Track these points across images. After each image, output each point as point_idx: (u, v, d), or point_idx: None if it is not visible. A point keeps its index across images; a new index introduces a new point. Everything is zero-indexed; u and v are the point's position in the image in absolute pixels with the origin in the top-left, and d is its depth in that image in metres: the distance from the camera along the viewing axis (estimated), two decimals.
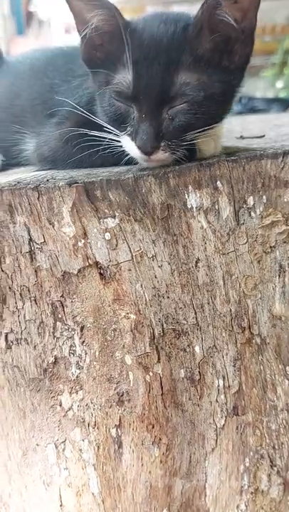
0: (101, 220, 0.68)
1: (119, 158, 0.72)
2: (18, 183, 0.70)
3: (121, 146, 0.70)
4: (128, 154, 0.70)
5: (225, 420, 0.75)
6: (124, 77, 0.68)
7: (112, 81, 0.70)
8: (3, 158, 0.87)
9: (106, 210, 0.68)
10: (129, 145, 0.68)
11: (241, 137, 0.93)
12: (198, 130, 0.67)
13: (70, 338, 0.73)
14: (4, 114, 0.91)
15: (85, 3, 0.69)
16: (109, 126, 0.70)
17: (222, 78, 0.69)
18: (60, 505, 0.79)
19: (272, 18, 5.45)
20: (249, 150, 0.74)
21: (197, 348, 0.72)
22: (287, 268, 0.72)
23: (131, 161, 0.71)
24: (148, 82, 0.66)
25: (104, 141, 0.70)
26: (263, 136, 0.90)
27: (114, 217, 0.68)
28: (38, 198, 0.68)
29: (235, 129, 1.16)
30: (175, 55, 0.67)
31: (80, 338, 0.73)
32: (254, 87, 5.65)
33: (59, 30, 5.99)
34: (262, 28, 5.48)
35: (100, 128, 0.70)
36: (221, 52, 0.69)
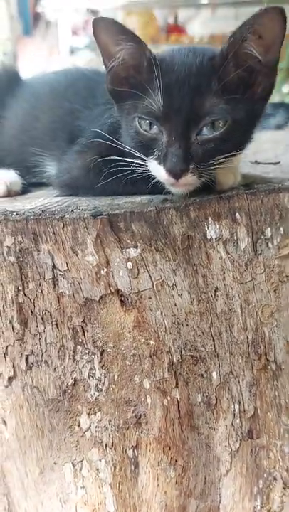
0: (123, 250, 0.70)
1: (143, 186, 0.74)
2: (43, 211, 0.72)
3: (144, 173, 0.72)
4: (152, 181, 0.72)
5: (240, 443, 0.77)
6: (154, 100, 0.70)
7: (140, 106, 0.72)
8: (23, 182, 0.89)
9: (128, 241, 0.70)
10: (156, 169, 0.70)
11: (256, 162, 0.95)
12: (225, 155, 0.69)
13: (90, 361, 0.76)
14: (24, 136, 0.93)
15: (113, 38, 0.71)
16: (135, 152, 0.71)
17: (246, 107, 0.72)
18: None
19: None
20: (266, 180, 0.76)
21: (214, 374, 0.74)
22: None
23: (156, 189, 0.73)
24: (178, 104, 0.69)
25: (127, 169, 0.72)
26: (279, 162, 0.91)
27: (136, 247, 0.70)
28: (63, 228, 0.70)
29: (248, 149, 1.17)
30: (203, 81, 0.70)
31: (100, 361, 0.75)
32: None
33: (66, 32, 6.03)
34: None
35: (122, 157, 0.72)
36: (246, 83, 0.72)
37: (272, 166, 0.91)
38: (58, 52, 5.87)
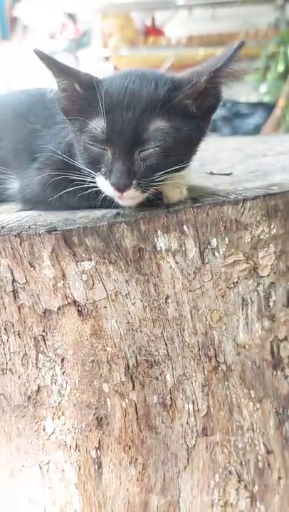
0: (78, 263, 0.74)
1: (94, 200, 0.78)
2: (2, 228, 0.76)
3: (96, 188, 0.76)
4: (102, 194, 0.77)
5: (195, 441, 0.81)
6: (98, 123, 0.74)
7: (86, 127, 0.76)
8: None
9: (83, 254, 0.74)
10: (103, 184, 0.75)
11: (211, 173, 1.00)
12: (167, 170, 0.74)
13: (52, 368, 0.80)
14: None
15: (52, 70, 0.76)
16: (85, 168, 0.76)
17: (191, 124, 0.76)
18: None
19: (255, 23, 5.54)
20: (214, 193, 0.81)
21: (168, 377, 0.79)
22: (249, 301, 0.80)
23: (105, 202, 0.78)
24: (121, 127, 0.72)
25: (82, 184, 0.76)
26: (231, 173, 0.96)
27: (90, 260, 0.74)
28: (20, 244, 0.74)
29: (208, 157, 1.23)
30: (148, 104, 0.73)
31: (61, 368, 0.79)
32: (238, 91, 5.74)
33: (43, 35, 6.03)
34: (245, 33, 5.58)
35: (78, 172, 0.77)
36: (192, 102, 0.76)
37: (225, 177, 0.96)
38: (36, 55, 5.87)
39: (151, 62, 4.69)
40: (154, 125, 0.73)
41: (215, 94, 0.77)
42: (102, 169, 0.75)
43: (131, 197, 0.74)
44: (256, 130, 4.82)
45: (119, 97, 0.73)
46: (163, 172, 0.73)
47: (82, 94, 0.76)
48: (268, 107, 5.00)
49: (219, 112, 5.33)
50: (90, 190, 0.77)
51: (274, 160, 1.08)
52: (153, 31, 5.57)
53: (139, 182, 0.73)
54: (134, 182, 0.72)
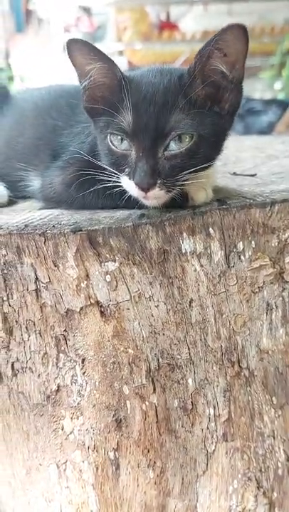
0: (102, 264, 0.74)
1: (118, 200, 0.78)
2: (26, 226, 0.75)
3: (120, 188, 0.75)
4: (127, 194, 0.76)
5: (215, 446, 0.81)
6: (124, 118, 0.73)
7: (112, 123, 0.75)
8: (10, 194, 0.93)
9: (107, 255, 0.73)
10: (127, 184, 0.74)
11: (234, 173, 0.99)
12: (192, 170, 0.72)
13: (72, 368, 0.79)
14: (10, 151, 0.96)
15: (85, 58, 0.75)
16: (109, 169, 0.75)
17: (214, 122, 0.75)
18: None
19: (271, 19, 5.49)
20: (240, 195, 0.80)
21: (190, 381, 0.78)
22: (274, 306, 0.78)
23: (129, 203, 0.77)
24: (145, 121, 0.72)
25: (107, 183, 0.76)
26: (255, 175, 0.95)
27: (114, 261, 0.73)
28: (45, 243, 0.73)
29: (228, 157, 1.21)
30: (170, 98, 0.73)
31: (82, 368, 0.79)
32: (252, 88, 5.69)
33: (58, 29, 6.02)
34: (261, 29, 5.54)
35: (102, 172, 0.76)
36: (213, 99, 0.75)
37: (249, 177, 0.95)
38: (51, 48, 5.86)
39: (165, 57, 4.66)
40: (177, 116, 0.72)
41: (226, 87, 0.75)
42: (126, 170, 0.74)
43: (156, 196, 0.73)
44: (270, 128, 4.78)
45: (143, 93, 0.73)
46: (188, 172, 0.72)
47: (117, 81, 0.74)
48: (283, 104, 4.95)
49: None
50: (113, 190, 0.76)
51: None
52: (168, 26, 5.54)
53: (164, 181, 0.72)
54: (158, 181, 0.71)
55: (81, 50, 0.74)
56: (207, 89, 0.74)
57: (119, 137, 0.75)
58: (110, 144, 0.76)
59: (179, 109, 0.72)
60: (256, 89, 5.70)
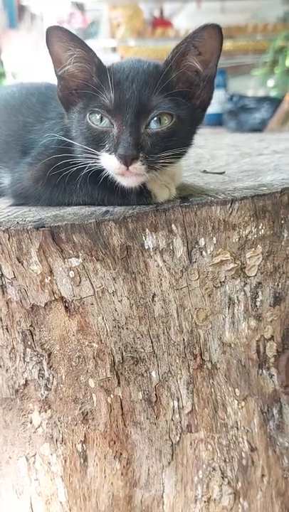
0: (66, 260, 0.75)
1: (85, 195, 0.80)
2: None
3: (88, 181, 0.78)
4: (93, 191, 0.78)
5: (180, 437, 0.82)
6: (106, 96, 0.76)
7: (92, 103, 0.77)
8: None
9: (70, 251, 0.75)
10: (108, 160, 0.75)
11: (204, 171, 1.00)
12: (171, 150, 0.75)
13: (39, 362, 0.81)
14: None
15: (65, 44, 0.76)
16: (88, 149, 0.76)
17: (189, 111, 0.78)
18: None
19: (264, 16, 5.50)
20: (204, 193, 0.81)
21: (153, 373, 0.80)
22: (236, 300, 0.80)
23: (94, 199, 0.79)
24: (127, 98, 0.74)
25: (74, 180, 0.78)
26: (224, 172, 0.97)
27: (77, 257, 0.75)
28: (9, 239, 0.75)
29: (204, 155, 1.23)
30: (150, 81, 0.76)
31: (48, 363, 0.80)
32: (245, 85, 5.71)
33: (51, 24, 6.00)
34: (253, 27, 5.55)
35: (72, 164, 0.78)
36: (186, 94, 0.78)
37: (217, 175, 0.96)
38: (43, 45, 5.86)
39: (158, 54, 4.66)
40: (157, 98, 0.75)
41: (199, 84, 0.79)
42: (107, 145, 0.75)
43: (137, 173, 0.74)
44: (262, 125, 4.80)
45: (124, 74, 0.76)
46: (169, 151, 0.74)
47: (97, 68, 0.77)
48: (275, 102, 4.97)
49: (226, 106, 5.32)
50: (81, 186, 0.79)
51: (268, 159, 1.08)
52: (161, 23, 5.54)
53: (146, 156, 0.73)
54: (141, 155, 0.73)
55: (60, 37, 0.76)
56: (181, 84, 0.78)
57: (98, 116, 0.76)
58: (89, 121, 0.77)
59: (159, 92, 0.75)
60: (249, 86, 5.71)
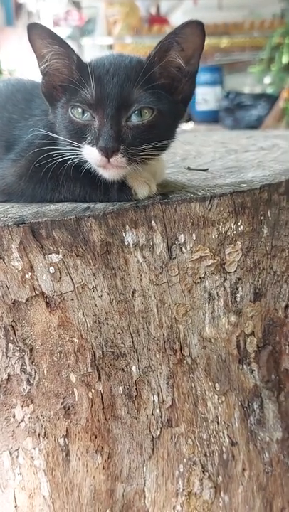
0: (46, 256, 0.76)
1: (67, 191, 0.81)
2: None
3: (70, 179, 0.79)
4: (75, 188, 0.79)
5: (160, 431, 0.83)
6: (87, 91, 0.76)
7: (74, 98, 0.78)
8: None
9: (50, 247, 0.75)
10: (89, 152, 0.75)
11: (188, 168, 1.01)
12: (152, 143, 0.75)
13: (21, 358, 0.81)
14: None
15: (44, 41, 0.77)
16: (70, 142, 0.77)
17: (170, 106, 0.79)
18: (15, 506, 0.88)
19: (260, 13, 5.49)
20: (185, 189, 0.82)
21: (134, 368, 0.81)
22: (216, 296, 0.81)
23: (76, 195, 0.80)
24: (108, 92, 0.75)
25: (55, 175, 0.79)
26: (207, 169, 0.97)
27: (58, 253, 0.76)
28: None
29: (191, 152, 1.23)
30: (132, 75, 0.77)
31: (30, 358, 0.81)
32: (242, 82, 5.71)
33: (48, 22, 5.99)
34: (250, 24, 5.54)
35: (54, 161, 0.79)
36: (168, 88, 0.79)
37: (201, 172, 0.97)
38: (32, 29, 5.83)
39: None
40: (138, 92, 0.76)
41: (186, 82, 0.80)
42: (89, 138, 0.76)
43: (118, 165, 0.74)
44: (259, 122, 4.80)
45: (105, 69, 0.77)
46: (150, 144, 0.75)
47: (76, 64, 0.78)
48: (272, 99, 4.97)
49: (222, 103, 5.31)
50: (63, 183, 0.80)
51: (254, 156, 1.09)
52: (158, 20, 5.54)
53: (127, 149, 0.74)
54: (121, 147, 0.74)
55: (39, 34, 0.77)
56: (163, 79, 0.78)
57: (80, 110, 0.77)
58: (72, 115, 0.78)
59: (140, 86, 0.76)
60: (245, 83, 5.71)
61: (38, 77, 0.92)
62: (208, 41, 5.49)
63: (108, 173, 0.77)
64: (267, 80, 5.37)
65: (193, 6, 5.46)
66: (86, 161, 0.77)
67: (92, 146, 0.75)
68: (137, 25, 5.38)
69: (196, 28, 0.76)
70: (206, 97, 5.47)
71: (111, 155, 0.73)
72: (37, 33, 0.77)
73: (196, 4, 5.44)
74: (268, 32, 5.34)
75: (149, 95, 0.76)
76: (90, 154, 0.75)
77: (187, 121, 5.27)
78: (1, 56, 5.99)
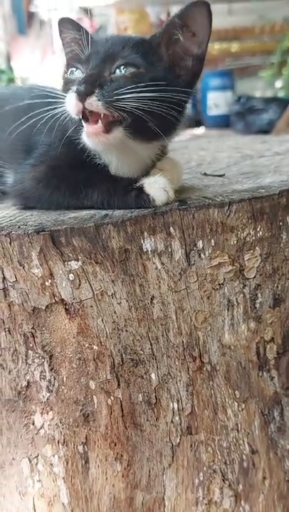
0: (65, 263, 0.76)
1: (83, 198, 0.82)
2: None
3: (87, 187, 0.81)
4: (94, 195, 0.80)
5: (180, 439, 0.83)
6: (84, 53, 0.80)
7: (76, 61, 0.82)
8: None
9: (70, 254, 0.76)
10: (68, 100, 0.76)
11: (204, 174, 1.01)
12: (134, 92, 0.73)
13: (41, 364, 0.82)
14: None
15: (69, 28, 0.84)
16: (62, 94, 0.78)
17: (167, 75, 0.79)
18: None
19: (271, 18, 5.49)
20: (203, 195, 0.82)
21: (153, 375, 0.80)
22: (235, 302, 0.80)
23: (94, 202, 0.81)
24: (99, 49, 0.79)
25: (73, 181, 0.82)
26: (224, 175, 0.97)
27: (77, 260, 0.76)
28: (10, 243, 0.76)
29: (206, 157, 1.23)
30: (127, 42, 0.79)
31: (49, 365, 0.81)
32: (253, 86, 5.71)
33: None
34: (261, 28, 5.54)
35: (72, 166, 0.81)
36: (174, 64, 0.81)
37: (218, 178, 0.97)
38: (52, 50, 5.90)
39: None
40: (127, 52, 0.78)
41: (194, 64, 0.81)
42: (72, 87, 0.76)
43: (95, 109, 0.74)
44: (270, 126, 4.79)
45: (106, 38, 0.83)
46: (132, 92, 0.74)
47: (86, 39, 0.81)
48: (283, 103, 4.96)
49: (233, 108, 5.31)
50: (80, 188, 0.81)
51: (269, 161, 1.08)
52: None
53: (103, 93, 0.74)
54: (96, 90, 0.74)
55: (66, 24, 0.85)
56: (167, 57, 0.80)
57: (74, 68, 0.81)
58: (68, 75, 0.82)
59: (131, 49, 0.78)
60: (257, 87, 5.71)
61: (54, 84, 0.94)
62: (219, 46, 5.51)
63: (89, 132, 0.76)
64: (278, 83, 5.36)
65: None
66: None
67: (71, 92, 0.76)
68: (147, 32, 5.41)
69: (203, 7, 0.77)
70: (217, 101, 5.47)
71: (84, 98, 0.74)
72: (64, 23, 0.85)
73: None
74: (278, 36, 5.34)
75: (139, 57, 0.77)
76: (69, 102, 0.76)
77: (198, 126, 5.28)
78: (13, 64, 6.05)
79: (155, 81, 0.77)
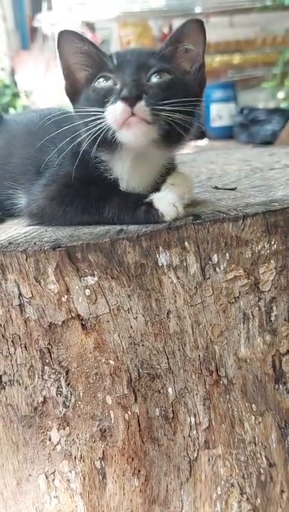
0: (82, 278, 0.77)
1: (97, 214, 0.82)
2: (9, 244, 0.79)
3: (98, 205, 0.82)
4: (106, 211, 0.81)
5: (197, 453, 0.83)
6: (110, 63, 0.82)
7: (98, 74, 0.83)
8: (0, 213, 0.97)
9: (86, 270, 0.76)
10: (112, 110, 0.77)
11: (216, 187, 1.01)
12: (174, 101, 0.75)
13: (57, 380, 0.82)
14: (0, 171, 1.00)
15: (74, 42, 0.84)
16: (93, 110, 0.79)
17: (185, 80, 0.85)
18: None
19: (272, 29, 5.54)
20: (216, 209, 0.82)
21: (170, 390, 0.80)
22: (251, 315, 0.81)
23: (107, 218, 0.81)
24: (129, 59, 0.81)
25: (85, 198, 0.83)
26: (235, 188, 0.98)
27: (93, 275, 0.76)
28: (26, 260, 0.77)
29: (215, 170, 1.24)
30: (148, 53, 0.84)
31: (66, 380, 0.81)
32: (255, 98, 5.74)
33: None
34: (262, 40, 5.59)
35: (84, 183, 0.82)
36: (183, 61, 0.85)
37: (229, 191, 0.98)
38: (56, 65, 5.98)
39: None
40: (155, 60, 0.81)
41: (194, 80, 0.86)
42: (112, 99, 0.78)
43: (142, 116, 0.75)
44: (273, 137, 4.81)
45: (125, 50, 0.90)
46: (173, 101, 0.75)
47: (99, 55, 0.84)
48: (286, 113, 4.99)
49: (236, 119, 5.33)
50: (92, 204, 0.82)
51: (280, 174, 1.09)
52: None
53: (150, 99, 0.76)
54: (144, 96, 0.76)
55: (74, 37, 0.84)
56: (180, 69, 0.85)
57: (102, 79, 0.82)
58: (96, 85, 0.82)
59: (160, 59, 0.82)
60: (259, 99, 5.74)
61: (63, 100, 0.96)
62: (221, 58, 5.56)
63: (132, 132, 0.77)
64: (280, 94, 5.39)
65: (205, 24, 5.52)
66: (109, 137, 0.78)
67: (114, 102, 0.76)
68: (150, 45, 5.47)
69: (197, 24, 0.83)
70: (220, 113, 5.51)
71: (134, 103, 0.75)
72: (73, 35, 0.84)
73: (207, 22, 5.51)
74: (280, 47, 5.39)
75: (165, 64, 0.82)
76: (113, 112, 0.77)
77: (202, 137, 5.31)
78: (17, 79, 6.12)
79: (186, 89, 0.81)
